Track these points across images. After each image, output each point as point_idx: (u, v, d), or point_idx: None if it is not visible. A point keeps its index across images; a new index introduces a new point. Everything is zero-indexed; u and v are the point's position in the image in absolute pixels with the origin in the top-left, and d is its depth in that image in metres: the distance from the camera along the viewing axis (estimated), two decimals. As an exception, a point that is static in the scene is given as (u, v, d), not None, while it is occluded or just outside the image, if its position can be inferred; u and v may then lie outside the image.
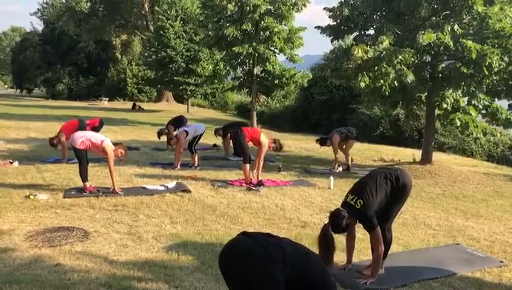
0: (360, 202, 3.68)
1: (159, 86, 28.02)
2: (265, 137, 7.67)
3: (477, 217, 6.15)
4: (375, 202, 3.72)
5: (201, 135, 9.04)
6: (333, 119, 19.34)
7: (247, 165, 7.35)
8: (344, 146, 9.26)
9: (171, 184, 6.88)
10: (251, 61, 18.08)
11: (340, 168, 9.25)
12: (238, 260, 2.22)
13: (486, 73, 8.09)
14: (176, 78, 23.66)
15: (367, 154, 11.93)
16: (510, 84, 8.83)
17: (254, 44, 16.82)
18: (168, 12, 25.40)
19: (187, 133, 8.66)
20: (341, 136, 9.10)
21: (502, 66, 8.03)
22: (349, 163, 9.31)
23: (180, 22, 24.78)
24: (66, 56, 38.65)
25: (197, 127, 9.08)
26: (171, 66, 23.81)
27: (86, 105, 30.28)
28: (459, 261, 4.39)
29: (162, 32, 24.41)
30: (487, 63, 7.84)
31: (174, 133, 9.85)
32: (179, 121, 11.08)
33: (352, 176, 8.74)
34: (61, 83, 38.65)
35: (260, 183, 7.21)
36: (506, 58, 8.02)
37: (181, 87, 24.17)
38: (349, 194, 3.83)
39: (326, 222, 3.57)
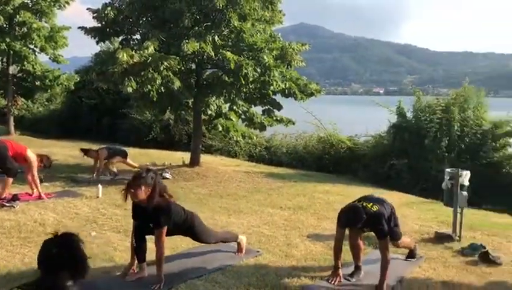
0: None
1: None
2: (32, 153, 6.84)
3: (238, 213, 6.74)
4: None
5: None
6: (104, 124, 18.60)
7: (10, 180, 6.44)
8: (109, 160, 9.07)
9: None
10: (5, 59, 15.93)
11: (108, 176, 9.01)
12: None
13: (243, 82, 8.96)
14: None
15: (139, 159, 11.80)
16: (263, 93, 10.00)
17: (8, 40, 14.86)
18: None
19: None
20: (109, 152, 8.92)
21: (255, 76, 8.99)
22: (115, 170, 9.10)
23: None
24: None
25: None
26: None
27: None
28: (223, 257, 4.72)
29: None
30: (243, 73, 8.69)
31: None
32: None
33: (123, 182, 8.54)
34: None
35: (15, 198, 6.37)
36: (258, 69, 9.01)
37: None
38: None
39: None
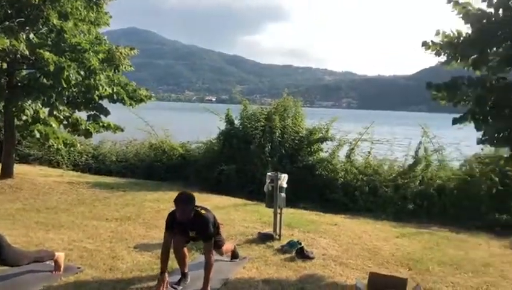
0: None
1: None
2: None
3: (58, 228, 6.17)
4: None
5: None
6: None
7: None
8: None
9: None
10: None
11: None
12: None
13: (65, 85, 8.29)
14: None
15: None
16: (88, 97, 9.40)
17: None
18: None
19: None
20: None
21: (79, 80, 8.40)
22: None
23: None
24: None
25: None
26: None
27: None
28: (38, 278, 4.30)
29: None
30: (65, 76, 8.05)
31: None
32: None
33: None
34: None
35: None
36: (82, 72, 8.45)
37: None
38: None
39: None
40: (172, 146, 13.35)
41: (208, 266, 4.11)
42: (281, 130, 11.68)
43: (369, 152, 11.37)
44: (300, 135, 11.89)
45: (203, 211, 4.28)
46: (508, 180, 9.10)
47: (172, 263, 4.47)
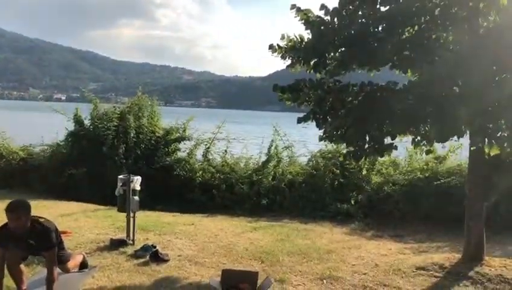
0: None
1: None
2: None
3: None
4: None
5: None
6: None
7: None
8: None
9: None
10: None
11: None
12: None
13: None
14: None
15: None
16: None
17: None
18: None
19: None
20: None
21: None
22: None
23: None
24: None
25: None
26: None
27: None
28: None
29: None
30: None
31: None
32: None
33: None
34: None
35: None
36: None
37: None
38: None
39: None
40: (12, 150, 11.99)
41: (50, 280, 3.77)
42: (136, 130, 11.30)
43: (225, 151, 11.60)
44: (157, 135, 11.65)
45: (42, 219, 3.95)
46: (348, 173, 10.09)
47: (9, 281, 3.99)
